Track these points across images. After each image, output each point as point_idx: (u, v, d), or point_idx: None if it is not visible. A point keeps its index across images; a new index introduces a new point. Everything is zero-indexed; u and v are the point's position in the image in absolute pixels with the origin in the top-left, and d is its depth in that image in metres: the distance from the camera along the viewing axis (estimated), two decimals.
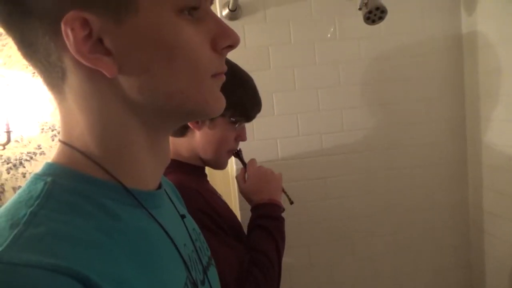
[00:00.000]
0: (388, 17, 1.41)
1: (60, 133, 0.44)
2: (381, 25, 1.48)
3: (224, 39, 0.43)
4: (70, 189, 0.39)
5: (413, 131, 1.72)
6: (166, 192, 0.54)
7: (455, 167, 1.76)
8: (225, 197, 1.24)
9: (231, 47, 0.45)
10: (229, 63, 1.07)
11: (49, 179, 0.39)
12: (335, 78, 1.66)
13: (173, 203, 0.55)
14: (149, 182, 0.47)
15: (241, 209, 1.65)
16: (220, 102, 0.46)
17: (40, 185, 0.39)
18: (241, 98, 1.03)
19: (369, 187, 1.72)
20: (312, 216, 1.70)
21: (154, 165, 0.47)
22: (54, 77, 0.40)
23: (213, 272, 0.58)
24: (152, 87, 0.40)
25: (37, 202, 0.36)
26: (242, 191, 1.15)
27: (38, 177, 0.40)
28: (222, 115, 1.00)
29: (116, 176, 0.42)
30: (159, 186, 0.50)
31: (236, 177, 1.19)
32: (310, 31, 1.63)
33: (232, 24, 1.57)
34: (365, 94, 1.68)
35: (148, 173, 0.46)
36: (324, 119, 1.67)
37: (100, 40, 0.38)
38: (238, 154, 1.19)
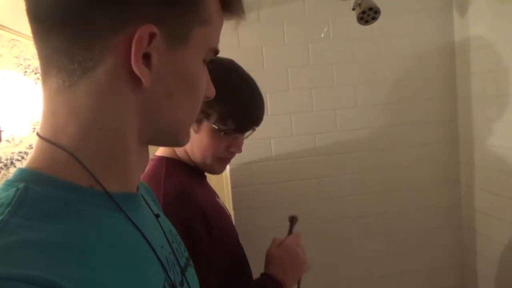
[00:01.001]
0: (381, 17, 1.42)
1: (41, 126, 0.42)
2: (374, 25, 1.48)
3: (210, 91, 0.53)
4: (44, 195, 0.38)
5: (406, 132, 1.73)
6: (142, 195, 0.54)
7: (448, 167, 1.77)
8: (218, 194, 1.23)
9: (207, 98, 0.53)
10: (230, 65, 1.03)
11: (21, 185, 0.38)
12: (328, 79, 1.66)
13: (148, 204, 0.55)
14: (130, 187, 0.47)
15: (234, 208, 1.64)
16: (188, 138, 0.52)
17: (11, 191, 0.37)
18: (226, 106, 0.96)
19: (362, 187, 1.73)
20: (305, 216, 1.69)
21: (137, 171, 0.49)
22: (77, 63, 0.39)
23: (191, 273, 0.58)
24: (168, 109, 0.45)
25: (8, 209, 0.35)
26: (269, 254, 1.05)
27: (9, 183, 0.39)
28: (206, 119, 0.96)
29: (99, 179, 0.41)
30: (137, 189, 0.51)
31: (274, 239, 1.09)
32: (303, 32, 1.63)
33: (225, 24, 1.56)
34: (358, 94, 1.69)
35: (131, 178, 0.47)
36: (317, 119, 1.67)
37: (147, 54, 0.41)
38: (292, 220, 1.13)
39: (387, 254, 1.77)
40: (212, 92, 0.53)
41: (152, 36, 0.40)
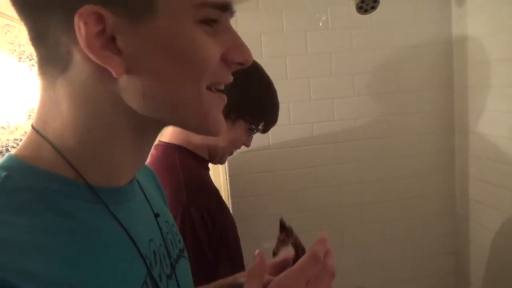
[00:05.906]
0: (379, 7, 1.42)
1: (35, 118, 0.43)
2: (373, 15, 1.48)
3: (237, 54, 0.43)
4: (24, 186, 0.38)
5: (403, 121, 1.74)
6: (140, 185, 0.52)
7: (443, 157, 1.79)
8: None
9: (241, 64, 0.44)
10: (255, 69, 1.06)
11: (3, 173, 0.38)
12: (326, 68, 1.66)
13: (146, 197, 0.53)
14: (121, 180, 0.46)
15: (232, 196, 1.66)
16: (219, 125, 0.45)
17: None
18: (261, 110, 1.06)
19: (358, 176, 1.74)
20: (302, 205, 1.72)
21: (132, 164, 0.46)
22: (52, 66, 0.40)
23: (182, 266, 0.56)
24: (157, 95, 0.40)
25: None
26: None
27: None
28: (243, 119, 1.03)
29: (83, 173, 0.41)
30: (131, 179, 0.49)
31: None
32: (302, 20, 1.62)
33: None
34: (356, 84, 1.69)
35: (122, 172, 0.45)
36: (315, 108, 1.68)
37: (112, 39, 0.37)
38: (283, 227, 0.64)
39: (381, 242, 1.80)
40: (244, 56, 0.43)
41: (99, 17, 0.35)
